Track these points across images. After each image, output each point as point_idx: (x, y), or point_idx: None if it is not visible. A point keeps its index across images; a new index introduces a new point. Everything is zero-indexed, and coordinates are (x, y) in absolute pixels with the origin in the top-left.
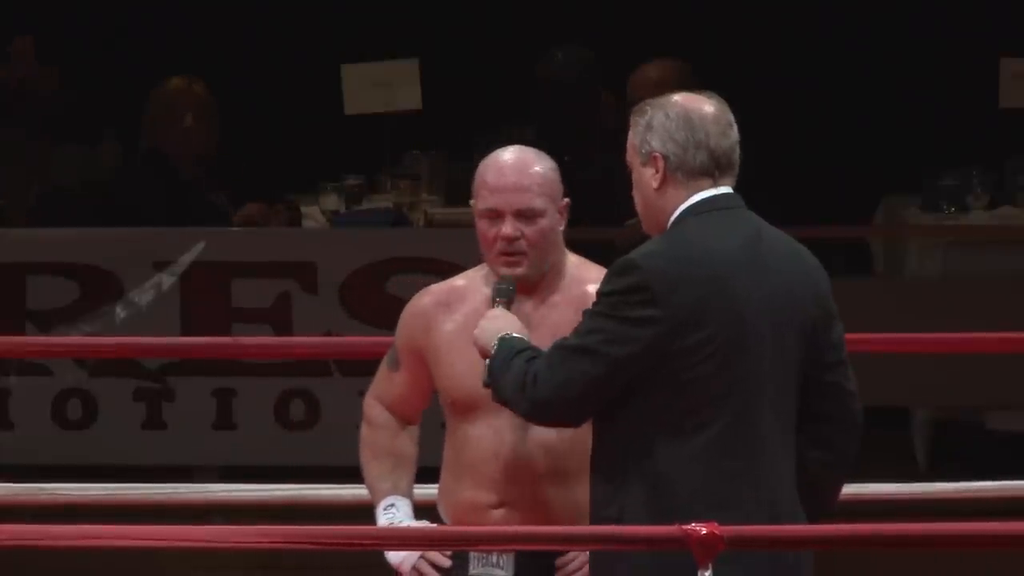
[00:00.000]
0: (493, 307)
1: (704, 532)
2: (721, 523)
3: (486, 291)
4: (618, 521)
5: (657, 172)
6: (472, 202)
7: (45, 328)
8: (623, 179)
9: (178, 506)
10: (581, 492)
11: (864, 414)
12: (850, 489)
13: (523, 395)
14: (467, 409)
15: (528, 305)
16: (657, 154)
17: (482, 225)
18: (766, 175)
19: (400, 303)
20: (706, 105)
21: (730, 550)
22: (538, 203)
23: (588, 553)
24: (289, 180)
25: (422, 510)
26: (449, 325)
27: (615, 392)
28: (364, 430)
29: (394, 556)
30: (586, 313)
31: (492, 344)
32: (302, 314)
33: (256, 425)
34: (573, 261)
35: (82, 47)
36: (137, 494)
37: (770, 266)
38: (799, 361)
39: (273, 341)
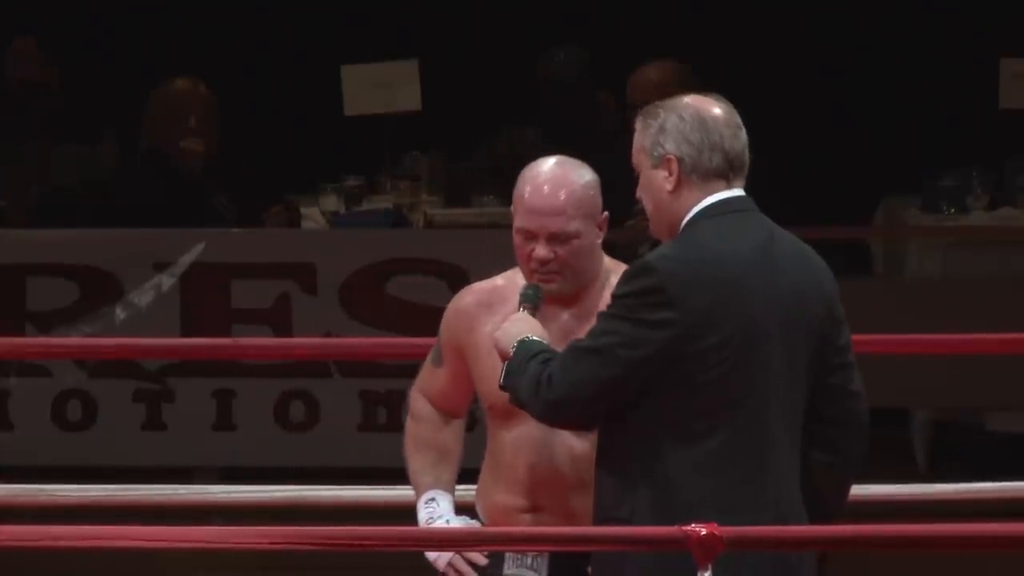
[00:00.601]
0: (518, 311)
1: (704, 533)
2: (728, 526)
3: None
4: (629, 522)
5: (671, 175)
6: (511, 209)
7: (45, 329)
8: (622, 180)
9: (178, 507)
10: None
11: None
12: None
13: (537, 397)
14: (504, 414)
15: (566, 316)
16: (671, 156)
17: (518, 239)
18: (765, 176)
19: (399, 304)
20: (717, 107)
21: (733, 551)
22: (572, 226)
23: None
24: (289, 181)
25: (462, 510)
26: (489, 327)
27: (628, 394)
28: (408, 423)
29: (431, 552)
30: (601, 315)
31: (511, 347)
32: (302, 315)
33: (256, 426)
34: (609, 267)
35: (82, 47)
36: (137, 495)
37: (782, 269)
38: (808, 363)
39: (273, 342)
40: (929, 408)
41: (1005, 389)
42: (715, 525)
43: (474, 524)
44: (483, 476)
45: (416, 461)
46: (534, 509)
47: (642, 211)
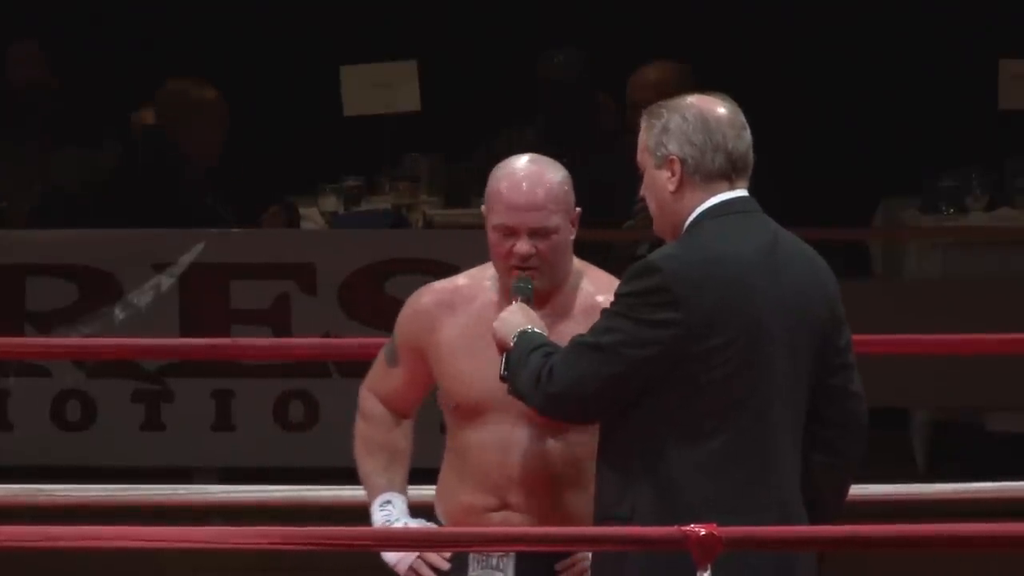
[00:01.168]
0: (512, 304)
1: (703, 533)
2: (731, 526)
3: (492, 294)
4: (629, 520)
5: (674, 175)
6: (483, 208)
7: (44, 329)
8: (622, 181)
9: (177, 507)
10: (582, 501)
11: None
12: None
13: (538, 389)
14: (471, 415)
15: (540, 315)
16: (674, 157)
17: (495, 237)
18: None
19: (398, 304)
20: (720, 107)
21: (733, 551)
22: (552, 221)
23: (589, 557)
24: (288, 181)
25: (418, 511)
26: (452, 328)
27: (631, 392)
28: (359, 423)
29: (391, 556)
30: (604, 312)
31: (512, 338)
32: (301, 315)
33: (255, 426)
34: (579, 268)
35: (82, 47)
36: (136, 495)
37: (785, 270)
38: (810, 364)
39: (272, 342)
40: (928, 408)
41: (1004, 389)
42: (715, 525)
43: (430, 526)
44: (445, 477)
45: (368, 463)
46: (503, 507)
47: (642, 211)
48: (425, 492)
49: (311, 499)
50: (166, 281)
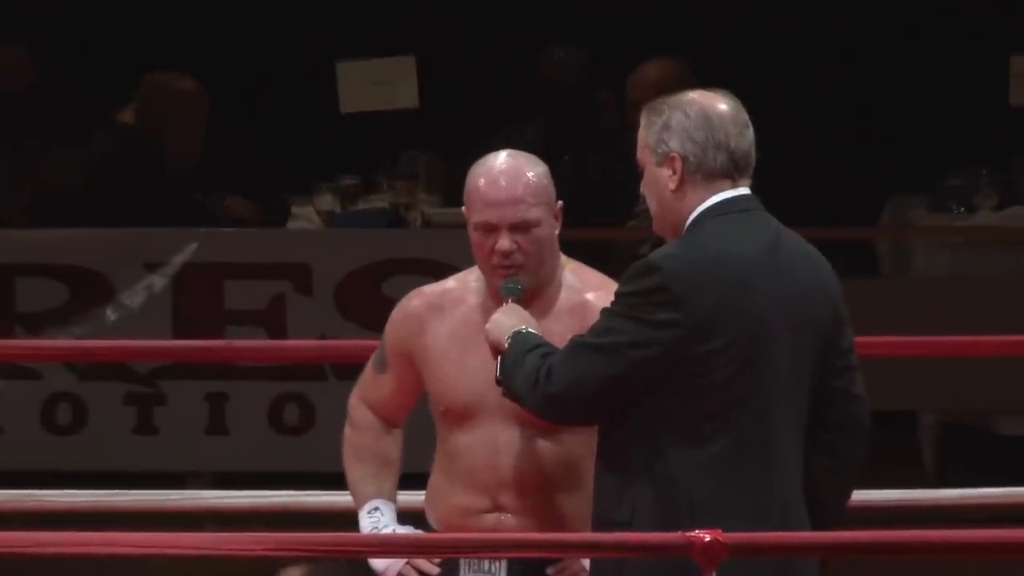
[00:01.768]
0: (503, 305)
1: (708, 539)
2: (733, 531)
3: (479, 296)
4: (629, 524)
5: (675, 173)
6: (463, 209)
7: (34, 331)
8: (623, 179)
9: (170, 513)
10: (576, 503)
11: (871, 418)
12: (855, 495)
13: (535, 390)
14: (461, 418)
15: None
16: (675, 155)
17: (476, 236)
18: (769, 175)
19: (396, 305)
20: (723, 104)
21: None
22: (533, 214)
23: (581, 561)
24: (283, 180)
25: (407, 516)
26: (442, 330)
27: (630, 393)
28: (348, 431)
29: (379, 563)
30: (603, 312)
31: (506, 339)
32: (297, 316)
33: (249, 430)
34: (569, 266)
35: (72, 45)
36: (128, 501)
37: (788, 270)
38: (812, 365)
39: (267, 344)
40: (936, 411)
41: (1014, 391)
42: (719, 532)
43: (419, 533)
44: (435, 481)
45: (357, 471)
46: (495, 509)
47: (644, 210)
48: (413, 498)
49: (307, 504)
50: (159, 281)
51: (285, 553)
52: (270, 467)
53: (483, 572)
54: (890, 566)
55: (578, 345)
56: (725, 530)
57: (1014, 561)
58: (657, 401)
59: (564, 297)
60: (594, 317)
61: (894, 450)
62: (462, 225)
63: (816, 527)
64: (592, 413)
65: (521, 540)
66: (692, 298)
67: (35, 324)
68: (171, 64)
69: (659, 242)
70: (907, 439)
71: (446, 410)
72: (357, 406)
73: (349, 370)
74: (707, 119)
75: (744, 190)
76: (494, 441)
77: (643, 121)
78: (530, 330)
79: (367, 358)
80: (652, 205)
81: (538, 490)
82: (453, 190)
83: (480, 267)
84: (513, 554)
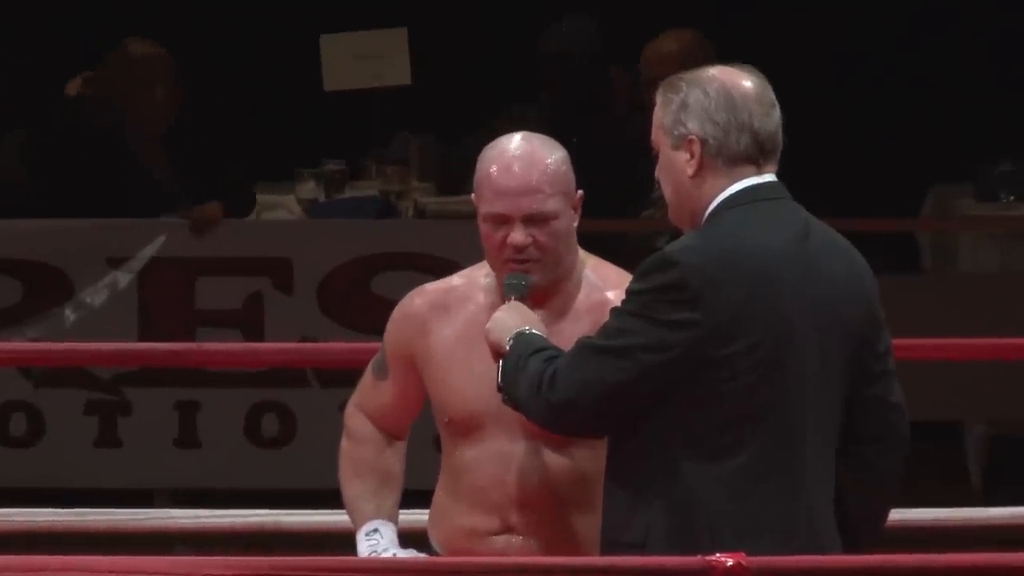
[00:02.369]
0: (507, 303)
1: (730, 563)
2: (757, 552)
3: (488, 294)
4: (643, 547)
5: (693, 157)
6: (472, 197)
7: None
8: (636, 164)
9: (136, 534)
10: (591, 523)
11: (910, 429)
12: (895, 514)
13: (538, 397)
14: (467, 428)
15: (539, 315)
16: (694, 137)
17: (486, 228)
18: (801, 163)
19: (386, 304)
20: (746, 81)
21: None
22: (550, 205)
23: None
24: (261, 165)
25: (409, 537)
26: (447, 331)
27: (643, 401)
28: (345, 444)
29: None
30: (614, 312)
31: (507, 340)
32: (275, 317)
33: (223, 443)
34: (588, 262)
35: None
36: (89, 521)
37: (819, 266)
38: (844, 370)
39: (243, 348)
40: (984, 421)
41: None
42: (743, 555)
43: (422, 557)
44: (439, 499)
45: (354, 487)
46: (505, 530)
47: (660, 198)
48: (415, 517)
49: (287, 525)
50: (123, 278)
51: None
52: (246, 483)
53: None
54: None
55: (586, 348)
56: (748, 552)
57: None
58: (672, 409)
59: (583, 296)
60: None
61: (937, 464)
62: (458, 216)
63: (848, 549)
64: (601, 423)
65: (527, 565)
66: (712, 296)
67: None
68: (137, 33)
69: (677, 234)
70: (951, 452)
71: (450, 420)
72: (355, 416)
73: (333, 376)
74: (729, 98)
75: (770, 176)
76: (503, 455)
77: (658, 99)
78: (534, 331)
79: (353, 362)
80: (668, 192)
81: (551, 509)
82: (449, 177)
83: (490, 262)
84: None
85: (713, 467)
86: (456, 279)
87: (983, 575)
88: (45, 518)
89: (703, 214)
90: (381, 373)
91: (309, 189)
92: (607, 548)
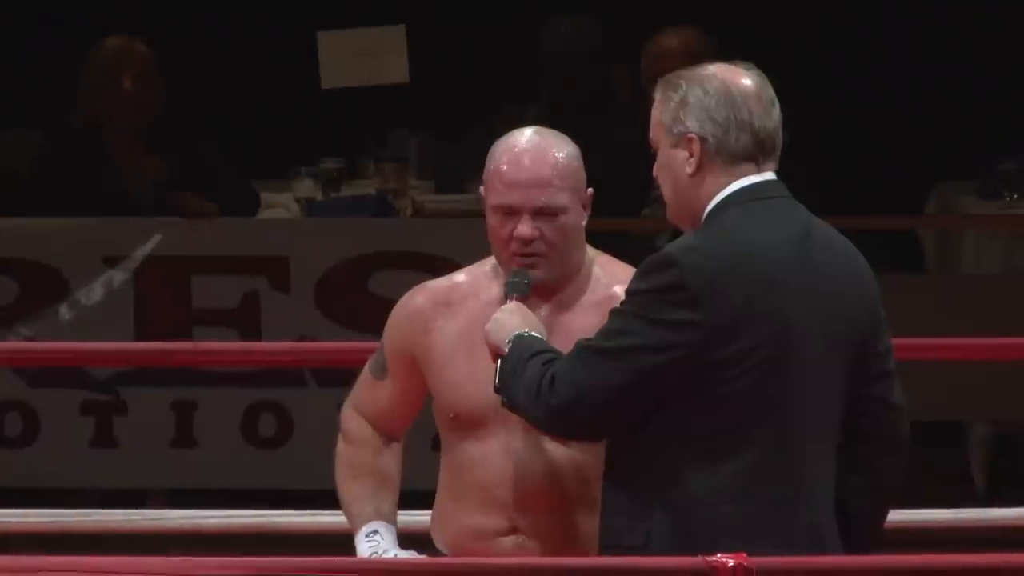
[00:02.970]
0: (506, 302)
1: (731, 564)
2: (758, 554)
3: (494, 290)
4: (643, 550)
5: (692, 156)
6: (481, 190)
7: None
8: (638, 164)
9: (131, 535)
10: (597, 523)
11: (912, 430)
12: (897, 516)
13: (538, 400)
14: (471, 426)
15: (545, 310)
16: (693, 135)
17: (493, 220)
18: (802, 160)
19: (383, 303)
20: (746, 79)
21: None
22: (559, 199)
23: None
24: (258, 163)
25: (407, 538)
26: (450, 328)
27: (643, 404)
28: (341, 446)
29: None
30: (613, 313)
31: (506, 342)
32: (272, 316)
33: (220, 443)
34: (597, 260)
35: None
36: (84, 521)
37: (820, 266)
38: (845, 372)
39: (239, 347)
40: (987, 422)
41: None
42: (744, 556)
43: (422, 558)
44: (442, 500)
45: (352, 490)
46: (513, 531)
47: (660, 197)
48: (413, 518)
49: (284, 525)
50: (119, 277)
51: None
52: (243, 484)
53: None
54: None
55: (585, 350)
56: (750, 554)
57: None
58: (673, 413)
59: (591, 291)
60: None
61: (939, 466)
62: (457, 214)
63: (850, 550)
64: (601, 425)
65: (527, 566)
66: (713, 296)
67: None
68: (126, 28)
69: (677, 233)
70: (954, 453)
71: (455, 417)
72: (352, 417)
73: (330, 375)
74: (729, 96)
75: (770, 175)
76: (509, 452)
77: (657, 97)
78: (533, 334)
79: (351, 362)
80: (666, 191)
81: (561, 508)
82: (447, 175)
83: (497, 257)
84: None
85: (714, 471)
86: (459, 275)
87: None
88: (39, 518)
89: (702, 213)
90: (380, 373)
91: (306, 187)
92: (606, 552)
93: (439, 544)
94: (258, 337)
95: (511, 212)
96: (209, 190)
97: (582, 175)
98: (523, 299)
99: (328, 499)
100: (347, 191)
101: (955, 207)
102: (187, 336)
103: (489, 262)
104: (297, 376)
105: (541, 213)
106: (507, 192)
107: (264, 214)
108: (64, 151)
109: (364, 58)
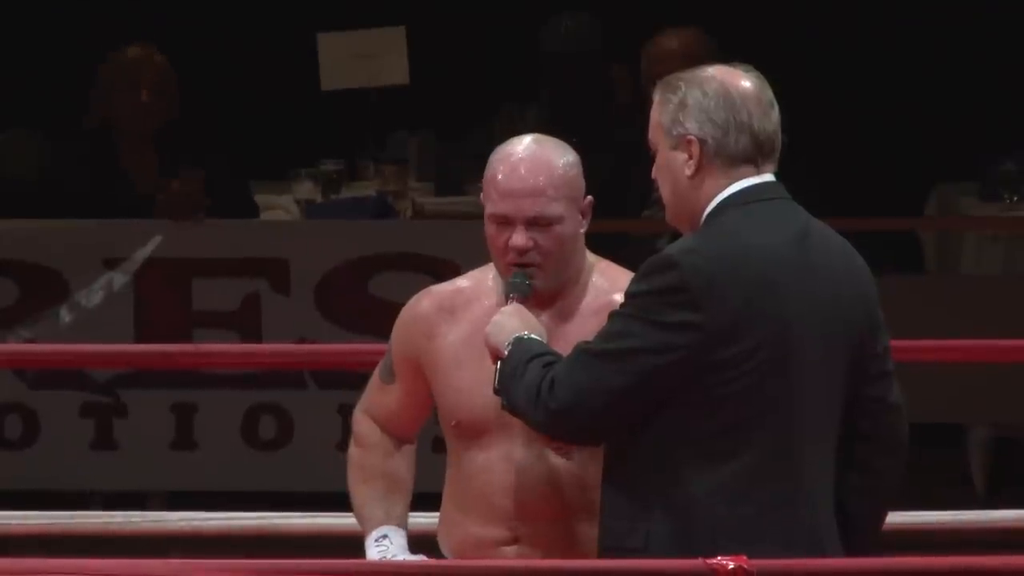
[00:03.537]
0: (507, 303)
1: (731, 566)
2: (758, 556)
3: (495, 296)
4: (643, 553)
5: (691, 158)
6: (480, 197)
7: None
8: (638, 165)
9: (131, 537)
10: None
11: (912, 431)
12: (896, 517)
13: (537, 404)
14: (474, 433)
15: (544, 317)
16: (692, 137)
17: (491, 229)
18: (802, 161)
19: (384, 305)
20: (745, 81)
21: None
22: (554, 209)
23: None
24: (258, 165)
25: (413, 541)
26: (453, 334)
27: (643, 406)
28: (352, 449)
29: None
30: (613, 315)
31: (506, 345)
32: (272, 318)
33: (220, 445)
34: (597, 266)
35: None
36: (84, 523)
37: (819, 267)
38: (844, 373)
39: (239, 349)
40: (987, 423)
41: None
42: (744, 558)
43: (429, 561)
44: (447, 507)
45: (363, 493)
46: (515, 541)
47: (660, 199)
48: (423, 520)
49: (285, 528)
50: (119, 279)
51: None
52: (243, 486)
53: None
54: None
55: (584, 353)
56: (750, 556)
57: None
58: (672, 413)
59: (590, 298)
60: None
61: (939, 467)
62: (458, 216)
63: (850, 552)
64: (601, 428)
65: (527, 568)
66: (713, 298)
67: None
68: (132, 35)
69: (677, 234)
70: (953, 455)
71: (457, 424)
72: (362, 421)
73: (331, 378)
74: (728, 97)
75: (769, 177)
76: (510, 460)
77: (656, 99)
78: (533, 336)
79: (351, 364)
80: (665, 193)
81: (563, 518)
82: (447, 177)
83: (495, 264)
84: None
85: (713, 473)
86: (463, 280)
87: None
88: (39, 521)
89: (702, 215)
90: (388, 377)
91: (306, 189)
92: (605, 553)
93: (444, 550)
94: (258, 339)
95: (506, 221)
96: (210, 198)
97: (580, 184)
98: (524, 300)
99: (328, 501)
100: (347, 193)
101: (955, 208)
102: (187, 338)
103: (491, 267)
104: (297, 378)
105: (535, 223)
106: (501, 201)
107: (264, 216)
108: (75, 153)
109: (364, 60)
